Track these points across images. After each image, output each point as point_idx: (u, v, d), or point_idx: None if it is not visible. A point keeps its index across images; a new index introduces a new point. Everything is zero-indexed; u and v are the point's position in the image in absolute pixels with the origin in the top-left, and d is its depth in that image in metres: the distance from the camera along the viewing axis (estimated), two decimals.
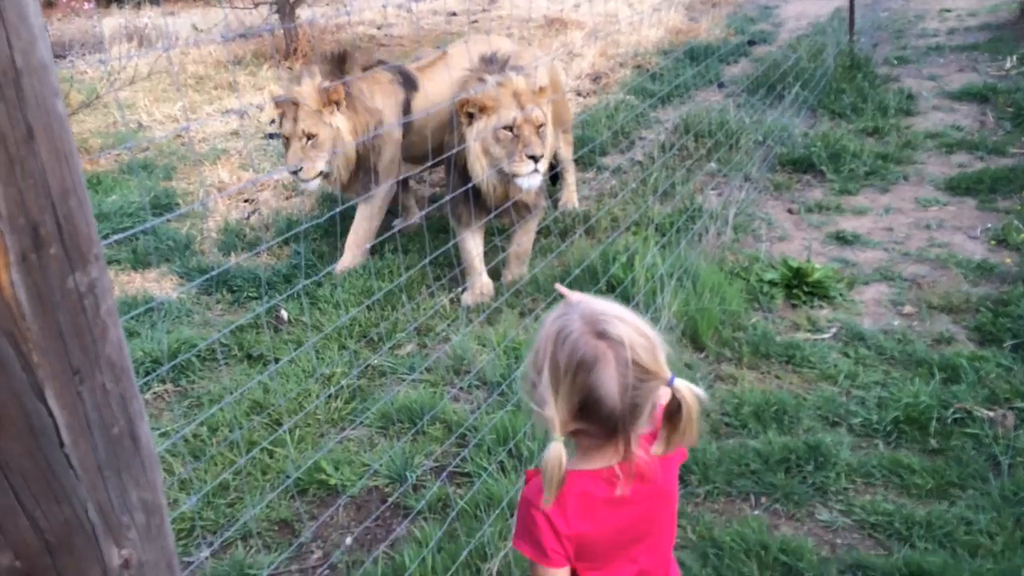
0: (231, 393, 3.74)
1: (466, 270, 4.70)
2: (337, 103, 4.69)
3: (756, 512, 3.02)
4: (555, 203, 5.80)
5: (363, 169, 4.94)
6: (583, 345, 1.48)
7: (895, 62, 9.61)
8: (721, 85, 9.18)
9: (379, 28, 13.65)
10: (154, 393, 3.94)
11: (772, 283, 4.59)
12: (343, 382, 3.82)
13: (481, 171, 4.33)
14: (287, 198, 6.27)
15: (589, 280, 4.27)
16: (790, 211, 5.82)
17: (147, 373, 3.97)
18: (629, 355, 1.47)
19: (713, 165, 6.44)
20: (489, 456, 3.21)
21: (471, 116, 4.29)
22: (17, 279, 0.92)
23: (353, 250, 5.04)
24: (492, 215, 4.41)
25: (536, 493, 1.57)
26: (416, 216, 5.70)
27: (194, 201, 6.18)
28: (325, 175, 4.80)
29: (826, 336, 4.16)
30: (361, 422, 3.58)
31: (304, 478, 3.22)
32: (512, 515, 2.80)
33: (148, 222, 4.76)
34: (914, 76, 8.99)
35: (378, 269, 4.90)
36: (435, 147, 5.30)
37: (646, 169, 6.28)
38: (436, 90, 5.08)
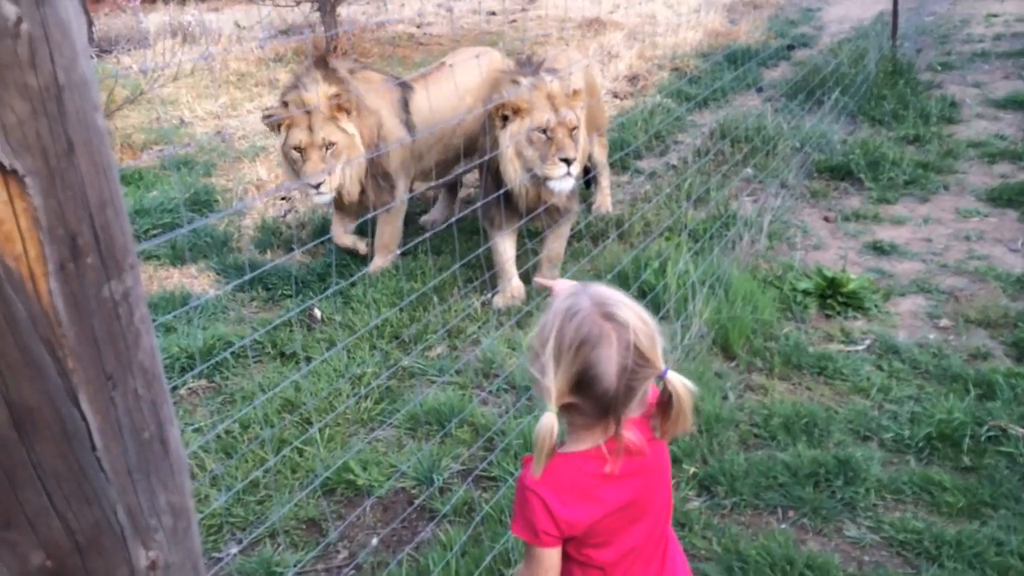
0: (264, 391, 3.79)
1: (498, 273, 4.71)
2: (348, 111, 4.57)
3: (783, 526, 3.00)
4: (589, 207, 5.79)
5: (371, 176, 4.82)
6: (590, 323, 1.55)
7: (938, 68, 9.46)
8: (760, 89, 9.11)
9: (418, 27, 13.72)
10: (189, 388, 4.00)
11: (806, 292, 4.55)
12: (373, 383, 3.85)
13: (514, 173, 4.34)
14: None
15: (620, 285, 4.25)
16: (826, 219, 5.76)
17: (183, 369, 4.04)
18: (632, 338, 1.54)
19: (749, 171, 6.39)
20: (516, 461, 3.22)
21: (505, 119, 4.31)
22: (55, 287, 0.95)
23: (382, 252, 5.03)
24: (525, 219, 4.42)
25: (535, 479, 1.62)
26: (441, 211, 5.74)
27: (233, 199, 6.26)
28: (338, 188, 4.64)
29: (860, 348, 4.11)
30: (390, 423, 3.61)
31: (333, 478, 3.26)
32: None
33: (186, 219, 4.84)
34: (958, 83, 8.84)
35: (410, 270, 4.93)
36: (446, 160, 5.32)
37: (681, 174, 6.25)
38: (438, 97, 4.99)
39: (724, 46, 10.80)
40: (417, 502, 3.16)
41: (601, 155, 5.72)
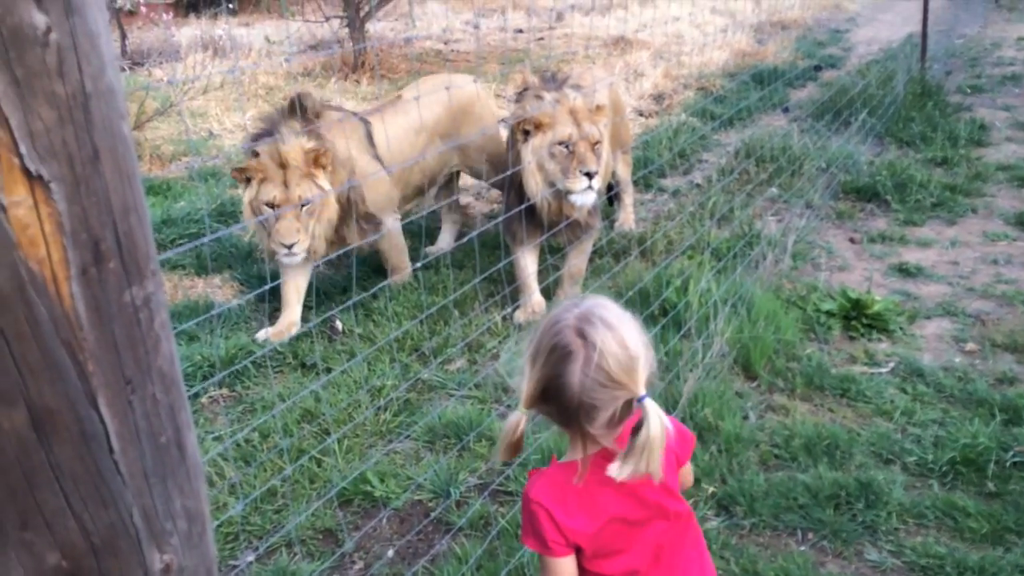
0: (283, 400, 3.81)
1: (519, 288, 4.72)
2: (325, 167, 4.29)
3: (802, 548, 2.96)
4: (612, 224, 5.79)
5: (354, 222, 4.61)
6: (565, 337, 1.63)
7: (968, 91, 9.38)
8: (786, 110, 9.08)
9: (445, 43, 13.83)
10: (210, 397, 4.03)
11: (830, 314, 4.52)
12: (392, 395, 3.86)
13: (536, 187, 4.36)
14: None
15: (641, 303, 4.26)
16: (852, 240, 5.71)
17: (204, 378, 4.07)
18: (596, 359, 1.58)
19: (774, 190, 6.37)
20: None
21: (527, 133, 4.33)
22: (77, 291, 0.96)
23: (398, 268, 4.94)
24: (547, 234, 4.43)
25: (538, 490, 1.68)
26: (447, 239, 5.65)
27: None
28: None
29: (883, 370, 4.07)
30: (408, 435, 3.61)
31: (350, 488, 3.26)
32: None
33: (211, 229, 4.89)
34: (988, 106, 8.77)
35: (432, 284, 4.95)
36: (411, 195, 5.18)
37: (705, 192, 6.24)
38: (394, 133, 4.73)
39: (751, 66, 10.78)
40: (433, 515, 3.16)
41: (625, 172, 5.72)
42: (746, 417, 3.66)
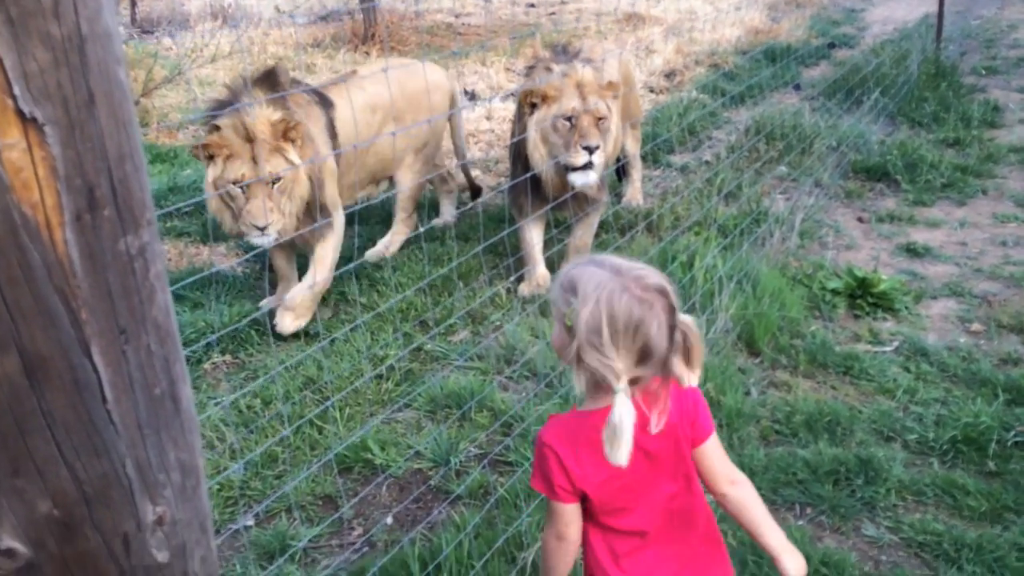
0: (286, 369, 3.82)
1: (524, 260, 4.70)
2: (293, 140, 3.93)
3: (800, 523, 2.97)
4: (619, 198, 5.76)
5: (306, 215, 4.18)
6: (633, 300, 1.61)
7: (983, 72, 9.28)
8: (797, 87, 9.00)
9: (456, 17, 13.73)
10: (212, 363, 4.04)
11: (835, 292, 4.50)
12: (393, 363, 3.87)
13: (540, 160, 4.34)
14: None
15: None
16: (860, 220, 5.68)
17: (209, 345, 4.08)
18: (671, 301, 1.65)
19: (783, 168, 6.32)
20: (532, 447, 3.21)
21: (533, 105, 4.30)
22: (71, 238, 0.96)
23: (319, 280, 4.25)
24: (551, 206, 4.41)
25: (551, 434, 1.69)
26: (449, 210, 5.60)
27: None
28: None
29: (887, 349, 4.06)
30: (409, 404, 3.62)
31: (350, 456, 3.28)
32: None
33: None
34: (1002, 87, 8.67)
35: (437, 256, 4.94)
36: (371, 179, 4.85)
37: (713, 169, 6.20)
38: (348, 112, 4.40)
39: (764, 43, 10.68)
40: (433, 483, 3.17)
41: (634, 147, 5.68)
42: (748, 393, 3.65)
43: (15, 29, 0.86)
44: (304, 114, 4.15)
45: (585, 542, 1.80)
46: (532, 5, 14.63)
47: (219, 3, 13.00)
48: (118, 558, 1.06)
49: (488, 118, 7.88)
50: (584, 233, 4.74)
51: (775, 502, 3.06)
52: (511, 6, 14.57)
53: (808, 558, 2.70)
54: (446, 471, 3.20)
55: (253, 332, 4.14)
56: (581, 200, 4.55)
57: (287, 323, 4.17)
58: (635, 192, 5.80)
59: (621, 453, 1.57)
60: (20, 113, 0.88)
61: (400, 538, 2.87)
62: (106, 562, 1.05)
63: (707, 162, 6.67)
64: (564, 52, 4.62)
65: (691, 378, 1.69)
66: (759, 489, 3.06)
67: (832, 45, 11.14)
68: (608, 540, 1.76)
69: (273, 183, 3.88)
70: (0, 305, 0.92)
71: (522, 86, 4.55)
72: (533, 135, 4.30)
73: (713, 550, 1.88)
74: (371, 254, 5.02)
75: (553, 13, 14.06)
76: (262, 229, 3.88)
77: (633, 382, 1.62)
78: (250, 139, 3.85)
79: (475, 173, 6.55)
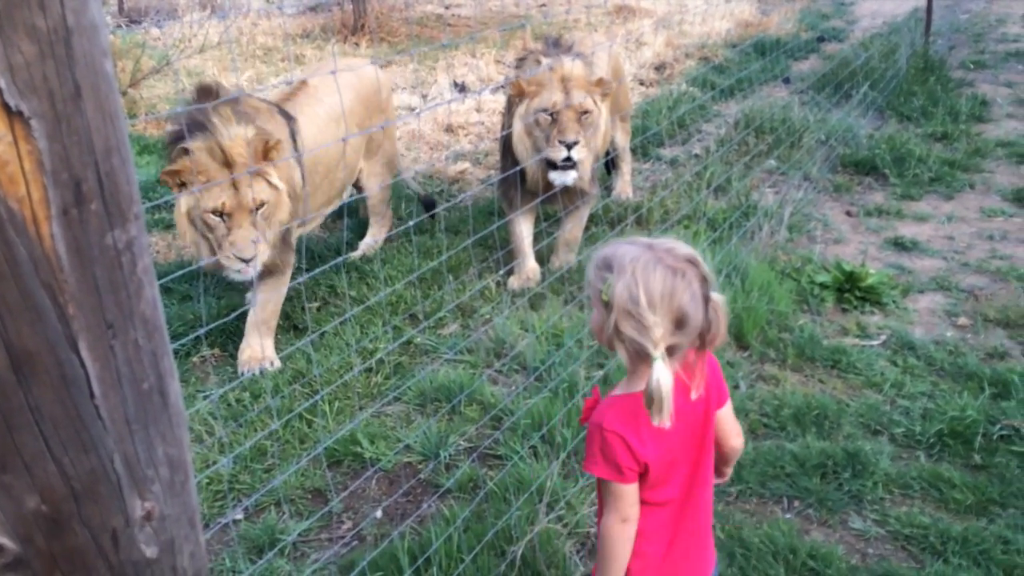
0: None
1: (514, 253, 4.70)
2: (274, 159, 3.59)
3: (788, 516, 2.98)
4: (609, 191, 5.76)
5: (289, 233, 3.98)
6: (668, 270, 1.70)
7: (971, 66, 9.32)
8: (787, 81, 9.02)
9: (446, 8, 13.68)
10: (201, 357, 4.03)
11: (823, 286, 4.51)
12: (383, 356, 3.86)
13: (524, 153, 4.34)
14: None
15: None
16: (848, 213, 5.70)
17: (197, 338, 4.06)
18: (703, 270, 1.74)
19: (772, 162, 6.34)
20: (522, 440, 3.22)
21: (519, 99, 4.32)
22: (57, 232, 0.95)
23: (263, 331, 3.94)
24: (540, 199, 4.41)
25: (611, 419, 1.73)
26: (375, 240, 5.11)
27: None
28: None
29: (875, 343, 4.08)
30: (398, 398, 3.62)
31: (340, 449, 3.27)
32: (541, 500, 2.81)
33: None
34: (990, 82, 8.71)
35: (426, 249, 4.93)
36: (339, 194, 4.49)
37: (703, 162, 6.21)
38: (312, 127, 4.15)
39: (754, 36, 10.69)
40: (422, 476, 3.17)
41: (623, 140, 5.68)
42: (737, 386, 3.67)
43: (0, 21, 0.85)
44: (271, 126, 3.84)
45: None
46: None
47: None
48: (107, 554, 1.06)
49: (478, 110, 7.86)
50: (574, 226, 4.74)
51: (763, 495, 3.08)
52: None
53: (795, 551, 2.73)
54: (436, 464, 3.20)
55: (242, 326, 4.13)
56: (571, 193, 4.55)
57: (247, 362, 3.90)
58: (625, 185, 5.80)
59: (665, 415, 1.65)
60: (5, 106, 0.87)
61: (390, 532, 2.87)
62: (94, 558, 1.05)
63: (696, 155, 6.68)
64: (556, 45, 4.61)
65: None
66: (747, 483, 3.09)
67: (821, 39, 11.16)
68: (643, 514, 1.81)
69: (257, 209, 3.58)
70: None
71: (509, 78, 4.55)
72: (518, 128, 4.31)
73: (708, 529, 1.96)
74: (354, 256, 4.98)
75: (543, 5, 14.03)
76: (247, 261, 3.57)
77: (671, 352, 1.69)
78: (228, 163, 3.51)
79: (465, 166, 6.54)
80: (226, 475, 3.14)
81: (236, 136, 3.52)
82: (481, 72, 9.31)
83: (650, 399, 1.65)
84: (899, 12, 12.68)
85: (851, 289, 4.46)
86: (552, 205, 4.68)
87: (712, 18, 11.87)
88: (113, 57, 1.04)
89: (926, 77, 8.33)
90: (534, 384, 3.57)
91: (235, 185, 3.49)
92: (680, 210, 5.24)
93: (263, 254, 3.62)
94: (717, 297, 1.72)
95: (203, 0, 12.64)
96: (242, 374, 3.80)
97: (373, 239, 5.06)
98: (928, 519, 2.90)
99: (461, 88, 8.60)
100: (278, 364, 3.89)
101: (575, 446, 3.13)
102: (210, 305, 4.30)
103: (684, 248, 1.73)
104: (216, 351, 4.08)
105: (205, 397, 3.62)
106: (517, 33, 10.09)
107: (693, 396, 1.78)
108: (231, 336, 4.12)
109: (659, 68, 9.59)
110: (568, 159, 4.20)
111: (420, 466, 3.24)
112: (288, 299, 4.38)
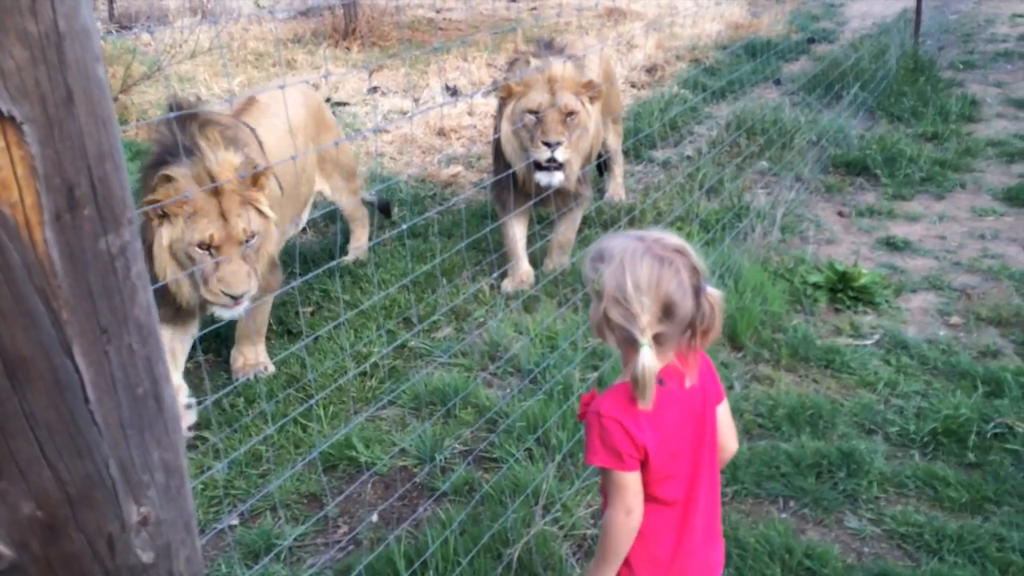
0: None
1: (507, 256, 4.70)
2: (263, 186, 3.39)
3: (783, 515, 2.99)
4: (601, 193, 5.77)
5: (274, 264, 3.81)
6: (654, 260, 1.73)
7: (960, 67, 9.37)
8: (778, 82, 9.05)
9: (437, 12, 13.68)
10: (195, 362, 4.02)
11: (816, 286, 4.53)
12: (377, 360, 3.86)
13: (512, 154, 4.36)
14: None
15: None
16: (840, 214, 5.72)
17: (192, 345, 4.05)
18: (692, 261, 1.76)
19: (764, 163, 6.35)
20: (517, 443, 3.22)
21: (507, 99, 4.35)
22: (51, 237, 0.95)
23: (259, 341, 3.86)
24: (533, 201, 4.41)
25: (608, 406, 1.75)
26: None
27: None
28: None
29: (868, 342, 4.09)
30: (393, 401, 3.61)
31: (335, 454, 3.27)
32: (537, 502, 2.81)
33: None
34: (979, 82, 8.75)
35: (421, 252, 4.93)
36: (298, 211, 4.28)
37: (695, 164, 6.22)
38: (272, 138, 3.94)
39: (744, 38, 10.72)
40: (417, 480, 3.17)
41: (615, 142, 5.69)
42: (731, 387, 3.67)
43: None
44: (244, 137, 3.61)
45: None
46: (513, 0, 14.61)
47: None
48: (103, 559, 1.05)
49: (470, 114, 7.86)
50: (567, 229, 4.75)
51: (759, 495, 3.09)
52: (492, 1, 14.54)
53: (791, 551, 2.73)
54: (431, 468, 3.20)
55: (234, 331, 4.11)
56: (564, 196, 4.55)
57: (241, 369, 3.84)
58: (617, 188, 5.81)
59: (647, 397, 1.70)
60: None
61: (386, 536, 2.86)
62: (90, 563, 1.04)
63: (688, 157, 6.69)
64: (549, 47, 4.62)
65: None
66: (743, 483, 3.10)
67: (812, 40, 11.20)
68: (650, 512, 1.81)
69: (248, 240, 3.34)
70: None
71: (498, 80, 4.56)
72: (505, 129, 4.32)
73: (717, 529, 1.98)
74: (347, 260, 4.96)
75: (534, 8, 14.05)
76: (236, 298, 3.31)
77: (659, 340, 1.72)
78: (216, 192, 3.22)
79: (457, 169, 6.54)
80: (221, 480, 3.13)
81: (225, 161, 3.25)
82: (473, 76, 9.31)
83: (635, 382, 1.68)
84: (889, 13, 12.73)
85: (844, 289, 4.47)
86: (545, 208, 4.68)
87: (703, 20, 11.90)
88: (104, 63, 1.04)
89: (916, 77, 8.37)
90: (529, 387, 3.57)
91: (224, 215, 3.24)
92: (673, 212, 5.25)
93: (254, 288, 3.35)
94: (713, 291, 1.74)
95: (194, 5, 12.62)
96: (236, 380, 3.79)
97: (359, 242, 5.07)
98: (923, 517, 2.91)
99: (453, 92, 8.61)
100: (272, 369, 3.88)
101: (570, 448, 3.13)
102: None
103: (673, 239, 1.75)
104: (210, 356, 4.07)
105: (200, 402, 3.60)
106: (508, 37, 10.10)
107: (687, 384, 1.80)
108: (224, 342, 4.11)
109: (650, 70, 9.61)
110: (552, 159, 4.21)
111: (415, 470, 3.24)
112: (282, 304, 4.37)
